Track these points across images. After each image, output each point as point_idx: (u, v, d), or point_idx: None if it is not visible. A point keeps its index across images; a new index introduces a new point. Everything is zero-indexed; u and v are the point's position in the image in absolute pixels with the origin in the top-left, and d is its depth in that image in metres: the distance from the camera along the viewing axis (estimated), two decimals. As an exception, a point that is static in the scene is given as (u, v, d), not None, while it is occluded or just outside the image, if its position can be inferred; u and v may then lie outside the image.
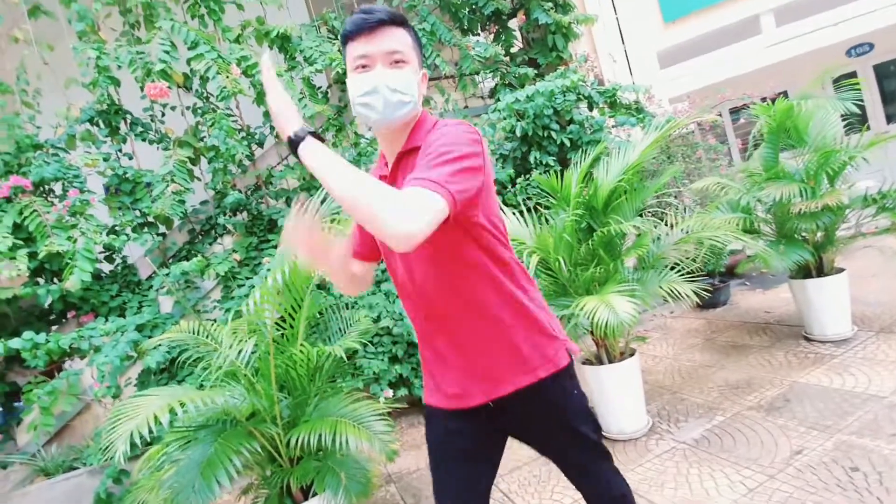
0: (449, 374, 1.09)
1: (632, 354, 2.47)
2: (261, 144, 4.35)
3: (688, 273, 2.56)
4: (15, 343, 3.05)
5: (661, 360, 3.43)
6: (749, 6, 5.98)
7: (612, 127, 4.60)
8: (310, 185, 4.23)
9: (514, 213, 2.65)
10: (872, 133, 3.11)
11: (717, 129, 5.33)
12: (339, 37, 1.05)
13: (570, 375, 1.12)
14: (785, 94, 8.13)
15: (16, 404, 3.74)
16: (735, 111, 8.45)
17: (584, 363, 2.58)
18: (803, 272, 3.04)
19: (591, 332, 2.48)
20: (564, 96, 4.28)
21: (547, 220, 2.59)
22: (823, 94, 7.96)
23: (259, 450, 1.70)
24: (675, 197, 4.53)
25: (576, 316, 2.17)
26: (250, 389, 1.70)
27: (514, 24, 5.08)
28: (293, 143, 0.90)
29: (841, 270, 2.97)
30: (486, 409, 1.08)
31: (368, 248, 1.17)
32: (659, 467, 2.15)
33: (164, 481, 1.51)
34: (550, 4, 4.67)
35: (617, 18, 6.37)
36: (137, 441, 1.37)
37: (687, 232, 2.47)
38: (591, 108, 4.71)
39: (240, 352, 1.65)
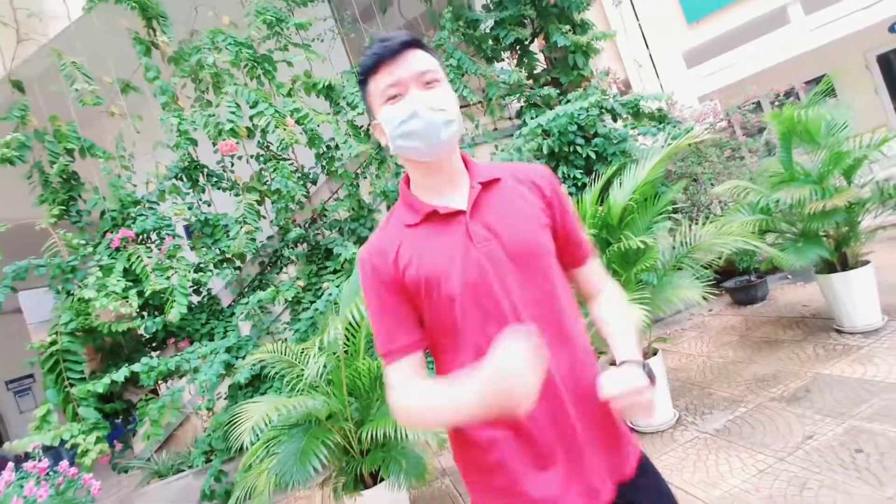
0: (577, 457, 0.88)
1: (654, 354, 2.72)
2: (314, 182, 4.91)
3: (718, 272, 2.75)
4: (136, 367, 3.71)
5: (695, 358, 3.60)
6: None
7: (638, 135, 4.80)
8: (358, 214, 4.74)
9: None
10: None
11: (748, 125, 5.35)
12: (358, 79, 0.97)
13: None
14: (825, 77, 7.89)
15: (130, 419, 4.46)
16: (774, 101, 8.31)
17: (611, 364, 2.85)
18: (829, 267, 3.15)
19: (616, 336, 2.75)
20: (587, 112, 4.53)
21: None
22: (867, 73, 7.68)
23: (336, 444, 2.13)
24: (702, 199, 4.66)
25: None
26: (328, 396, 2.14)
27: (535, 46, 5.41)
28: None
29: (866, 263, 3.07)
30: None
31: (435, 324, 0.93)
32: (682, 455, 2.40)
33: (270, 469, 1.97)
34: (567, 27, 4.96)
35: (639, 24, 6.52)
36: (259, 432, 1.84)
37: (700, 238, 2.69)
38: (615, 120, 4.94)
39: (321, 366, 2.08)
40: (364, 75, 0.93)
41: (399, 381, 0.91)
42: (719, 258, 3.05)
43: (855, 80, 7.71)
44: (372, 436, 2.09)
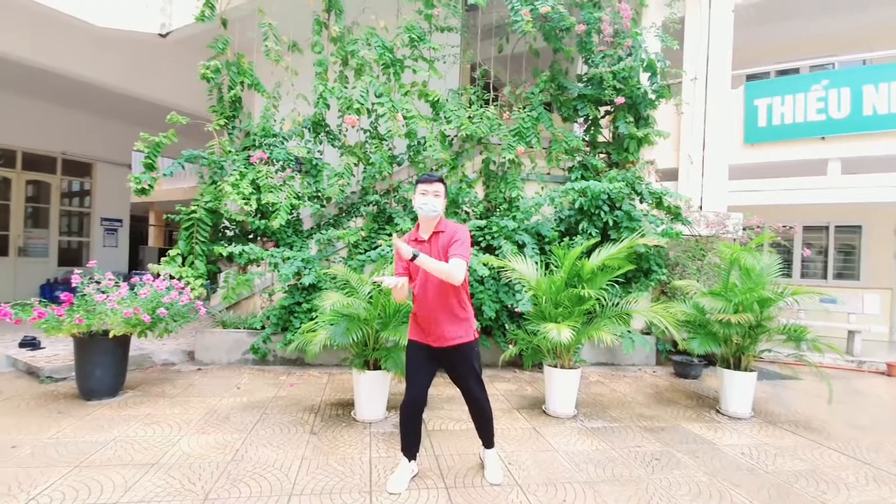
0: (435, 330, 2.65)
1: (574, 368, 4.01)
2: (399, 164, 6.33)
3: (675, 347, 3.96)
4: (236, 249, 5.27)
5: (615, 393, 4.84)
6: (819, 150, 6.87)
7: (646, 219, 5.93)
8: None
9: (535, 263, 4.30)
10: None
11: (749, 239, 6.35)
12: (416, 180, 2.87)
13: (474, 345, 2.73)
14: (858, 227, 8.65)
15: (214, 283, 6.08)
16: (807, 228, 9.15)
17: (549, 366, 4.15)
18: (726, 363, 4.31)
19: (555, 350, 4.05)
20: (619, 190, 5.70)
21: (552, 273, 4.20)
22: (893, 238, 8.41)
23: (362, 336, 3.56)
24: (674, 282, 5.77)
25: (542, 332, 3.78)
26: (367, 307, 3.57)
27: (604, 122, 6.59)
28: (413, 258, 2.45)
29: (752, 371, 4.21)
30: (442, 349, 2.68)
31: (411, 276, 2.70)
32: (564, 431, 3.70)
33: (325, 332, 3.42)
34: (632, 118, 6.12)
35: (705, 129, 7.54)
36: (334, 306, 3.28)
37: (628, 306, 3.93)
38: (641, 202, 6.10)
39: (369, 290, 3.48)
40: (421, 181, 2.69)
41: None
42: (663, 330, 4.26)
43: (880, 239, 8.44)
44: (384, 339, 3.50)
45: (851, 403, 4.77)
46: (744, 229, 6.38)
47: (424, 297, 2.67)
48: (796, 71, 8.63)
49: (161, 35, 7.01)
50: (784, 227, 7.61)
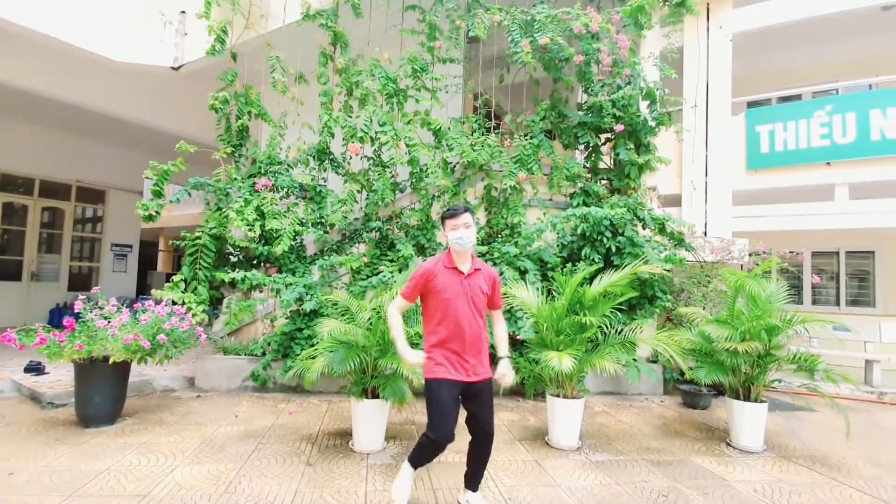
0: (474, 360, 2.58)
1: (577, 398, 3.91)
2: (402, 191, 6.39)
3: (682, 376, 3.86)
4: (238, 274, 5.29)
5: (622, 424, 4.70)
6: (824, 175, 6.83)
7: (649, 245, 5.88)
8: (423, 226, 6.17)
9: (536, 289, 4.26)
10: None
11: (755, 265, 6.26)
12: (441, 216, 2.76)
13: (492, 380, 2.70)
14: (871, 253, 8.50)
15: (217, 308, 6.10)
16: (817, 254, 9.03)
17: (551, 395, 4.06)
18: (735, 393, 4.18)
19: (558, 379, 3.97)
20: (621, 216, 5.68)
21: (553, 299, 4.15)
22: (906, 266, 8.23)
23: (360, 363, 3.52)
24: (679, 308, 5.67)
25: (543, 361, 3.71)
26: (366, 334, 3.54)
27: (605, 149, 6.63)
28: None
29: (763, 401, 4.07)
30: (474, 384, 2.58)
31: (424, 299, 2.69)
32: (567, 464, 3.58)
33: (323, 359, 3.38)
34: (633, 145, 6.16)
35: (706, 155, 7.55)
36: (332, 333, 3.25)
37: (631, 334, 3.86)
38: (643, 228, 6.07)
39: (368, 317, 3.47)
40: (447, 216, 2.66)
41: (397, 304, 2.74)
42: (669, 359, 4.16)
43: (893, 263, 8.29)
44: (382, 367, 3.46)
45: (872, 438, 4.58)
46: (749, 255, 6.30)
47: (465, 326, 2.57)
48: (799, 98, 8.70)
49: (174, 68, 7.25)
50: (791, 252, 7.51)
